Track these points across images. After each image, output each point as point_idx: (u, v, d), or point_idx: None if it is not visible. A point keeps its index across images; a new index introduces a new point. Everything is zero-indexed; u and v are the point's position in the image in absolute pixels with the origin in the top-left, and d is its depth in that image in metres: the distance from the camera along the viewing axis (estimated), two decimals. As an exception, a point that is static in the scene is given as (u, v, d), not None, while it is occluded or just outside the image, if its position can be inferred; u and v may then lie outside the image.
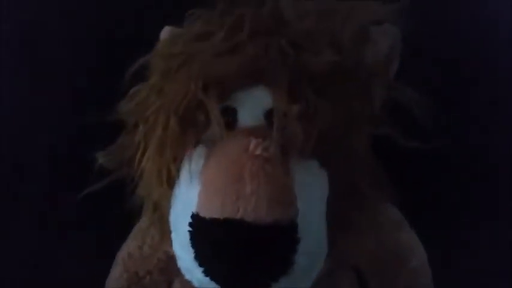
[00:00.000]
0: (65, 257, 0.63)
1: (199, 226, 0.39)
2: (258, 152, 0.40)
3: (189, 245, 0.39)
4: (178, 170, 0.43)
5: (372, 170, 0.45)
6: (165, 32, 0.53)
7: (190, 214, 0.39)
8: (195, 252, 0.39)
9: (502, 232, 0.62)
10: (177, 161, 0.43)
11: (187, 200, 0.41)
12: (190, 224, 0.39)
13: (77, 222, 0.62)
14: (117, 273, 0.51)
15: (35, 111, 0.62)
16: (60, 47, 0.62)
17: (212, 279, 0.39)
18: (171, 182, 0.43)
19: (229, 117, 0.43)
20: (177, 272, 0.49)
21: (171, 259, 0.49)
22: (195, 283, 0.43)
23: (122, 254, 0.52)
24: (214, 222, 0.38)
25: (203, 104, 0.41)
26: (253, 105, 0.43)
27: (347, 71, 0.43)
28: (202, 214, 0.39)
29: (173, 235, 0.43)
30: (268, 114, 0.42)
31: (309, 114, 0.40)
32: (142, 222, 0.51)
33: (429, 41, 0.58)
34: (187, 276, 0.43)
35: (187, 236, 0.40)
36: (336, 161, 0.42)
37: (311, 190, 0.41)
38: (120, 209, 0.51)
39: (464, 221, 0.62)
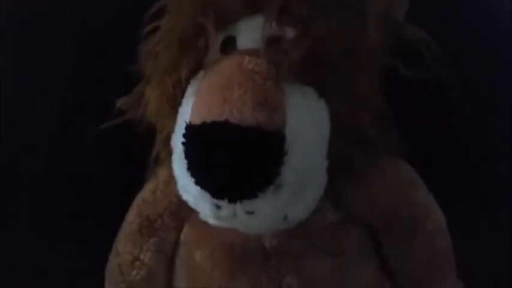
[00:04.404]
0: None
1: (190, 134, 0.40)
2: (250, 67, 0.41)
3: (183, 157, 0.40)
4: (181, 96, 0.45)
5: (380, 117, 0.46)
6: None
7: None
8: (187, 163, 0.40)
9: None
10: (179, 87, 0.45)
11: (183, 117, 0.42)
12: (183, 135, 0.40)
13: (77, 222, 0.64)
14: (130, 218, 0.52)
15: (35, 111, 0.64)
16: (60, 47, 0.63)
17: (202, 187, 0.39)
18: (174, 108, 0.45)
19: (229, 44, 0.44)
20: (187, 216, 0.51)
21: (182, 203, 0.49)
22: (191, 202, 0.43)
23: (137, 200, 0.53)
24: (202, 126, 0.39)
25: (204, 29, 0.44)
26: (252, 32, 0.44)
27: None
28: (193, 122, 0.40)
29: (173, 157, 0.44)
30: (267, 41, 0.43)
31: (301, 37, 0.42)
32: (161, 173, 0.52)
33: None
34: (185, 197, 0.43)
35: (182, 150, 0.40)
36: (335, 93, 0.43)
37: (305, 113, 0.41)
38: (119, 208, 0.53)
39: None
